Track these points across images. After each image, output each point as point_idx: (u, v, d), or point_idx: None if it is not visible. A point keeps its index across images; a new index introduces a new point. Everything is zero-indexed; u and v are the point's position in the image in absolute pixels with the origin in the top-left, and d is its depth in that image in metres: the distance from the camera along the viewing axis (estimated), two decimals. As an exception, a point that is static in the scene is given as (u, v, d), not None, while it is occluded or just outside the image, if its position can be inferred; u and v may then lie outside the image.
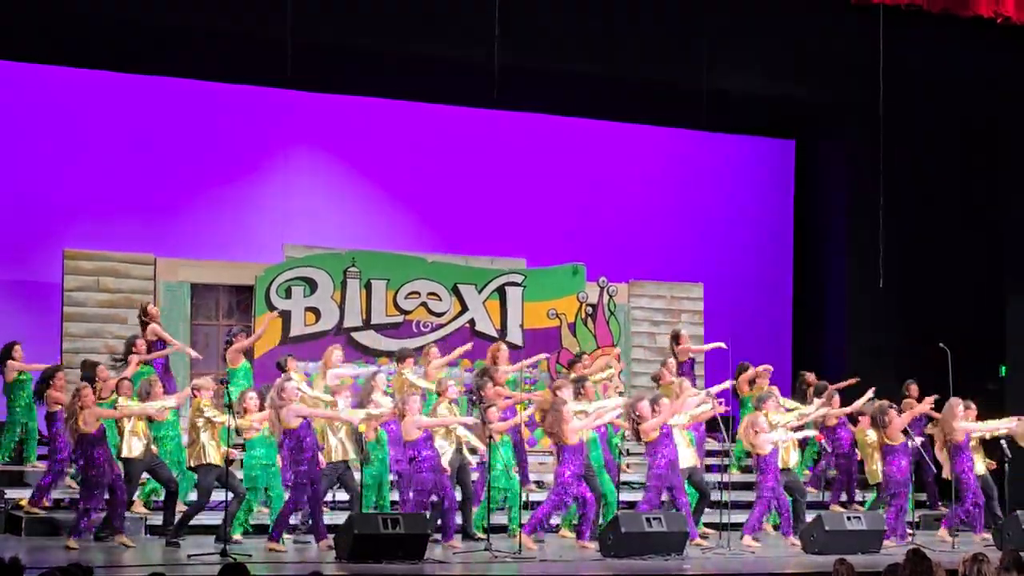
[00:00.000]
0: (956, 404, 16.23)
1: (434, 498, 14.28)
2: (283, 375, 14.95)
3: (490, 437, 14.52)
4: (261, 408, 14.18)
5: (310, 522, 14.36)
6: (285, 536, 14.32)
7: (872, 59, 17.96)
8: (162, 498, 14.96)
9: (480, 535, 14.82)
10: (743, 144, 22.51)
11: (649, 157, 21.96)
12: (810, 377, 18.29)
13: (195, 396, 14.21)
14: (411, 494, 14.26)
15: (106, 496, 13.69)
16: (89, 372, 15.38)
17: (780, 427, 15.47)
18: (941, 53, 20.03)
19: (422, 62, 18.89)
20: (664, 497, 14.92)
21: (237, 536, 14.26)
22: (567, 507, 14.90)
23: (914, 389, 18.05)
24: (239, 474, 14.57)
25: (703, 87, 18.61)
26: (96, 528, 14.00)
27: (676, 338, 18.27)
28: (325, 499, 14.68)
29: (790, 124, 22.34)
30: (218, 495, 14.37)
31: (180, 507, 14.71)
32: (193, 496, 14.66)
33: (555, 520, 15.46)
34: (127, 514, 14.32)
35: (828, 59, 20.32)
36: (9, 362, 15.92)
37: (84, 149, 18.94)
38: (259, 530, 14.47)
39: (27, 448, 16.00)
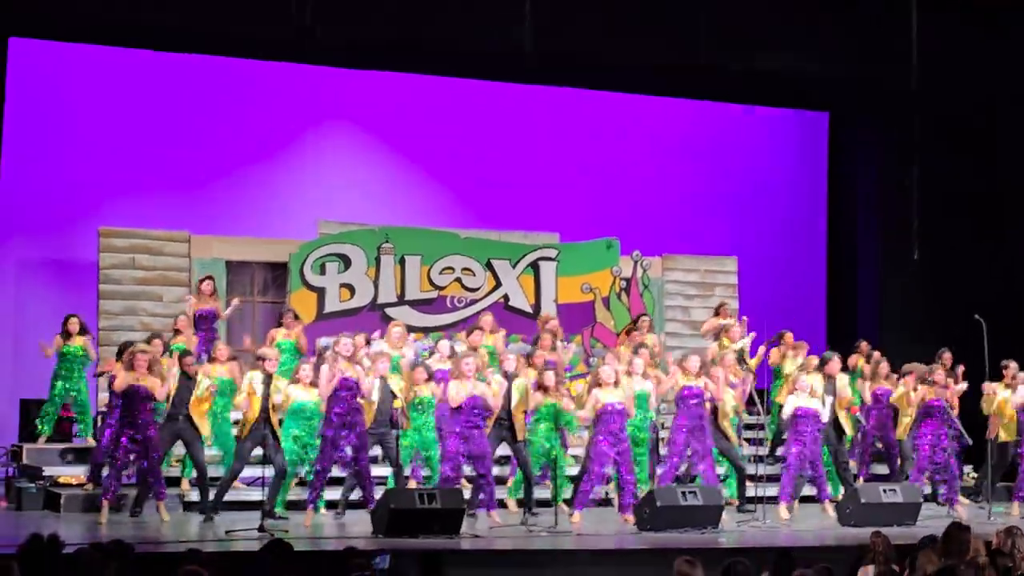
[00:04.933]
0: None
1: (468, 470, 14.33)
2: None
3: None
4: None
5: (352, 496, 14.39)
6: (324, 512, 14.45)
7: (906, 31, 17.86)
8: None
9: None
10: (777, 117, 22.40)
11: (682, 131, 21.90)
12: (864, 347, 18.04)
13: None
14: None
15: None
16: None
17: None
18: (975, 22, 19.89)
19: (455, 37, 18.85)
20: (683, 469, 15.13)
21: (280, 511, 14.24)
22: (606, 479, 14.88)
23: (947, 357, 17.89)
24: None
25: (737, 61, 18.55)
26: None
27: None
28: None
29: (824, 97, 22.18)
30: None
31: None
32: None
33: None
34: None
35: (862, 31, 20.18)
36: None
37: (119, 128, 19.01)
38: (293, 506, 14.48)
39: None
